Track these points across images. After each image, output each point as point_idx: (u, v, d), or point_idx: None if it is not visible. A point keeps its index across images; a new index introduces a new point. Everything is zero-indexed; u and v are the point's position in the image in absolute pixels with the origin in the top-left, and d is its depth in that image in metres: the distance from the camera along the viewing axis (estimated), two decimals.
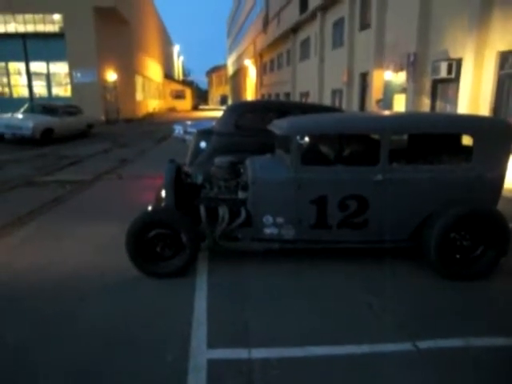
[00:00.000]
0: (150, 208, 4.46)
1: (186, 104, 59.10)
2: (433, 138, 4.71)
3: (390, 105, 14.13)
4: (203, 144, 7.37)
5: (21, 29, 24.71)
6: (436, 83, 11.62)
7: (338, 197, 3.97)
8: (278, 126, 4.34)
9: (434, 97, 11.78)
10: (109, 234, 5.16)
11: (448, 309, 3.44)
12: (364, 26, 16.61)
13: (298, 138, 3.98)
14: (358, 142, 4.93)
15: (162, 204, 4.49)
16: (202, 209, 4.25)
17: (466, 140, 4.51)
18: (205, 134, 7.64)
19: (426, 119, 4.49)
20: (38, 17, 24.55)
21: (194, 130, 11.31)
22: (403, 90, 13.14)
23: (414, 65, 11.94)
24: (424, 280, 3.95)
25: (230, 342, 2.97)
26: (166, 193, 4.30)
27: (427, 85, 11.87)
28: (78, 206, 6.78)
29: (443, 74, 10.61)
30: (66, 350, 2.88)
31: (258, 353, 2.83)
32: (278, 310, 3.42)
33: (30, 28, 24.72)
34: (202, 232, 4.16)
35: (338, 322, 3.23)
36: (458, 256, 3.93)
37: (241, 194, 4.27)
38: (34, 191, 7.78)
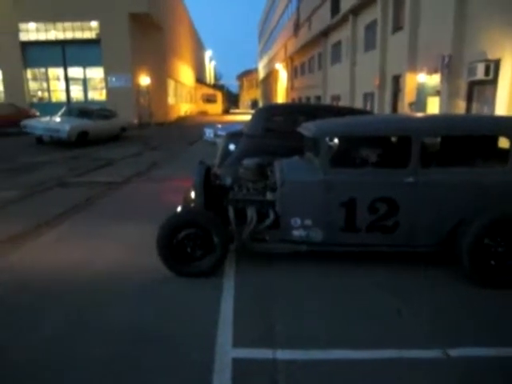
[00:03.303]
0: (179, 209, 4.52)
1: (217, 108, 59.67)
2: (467, 140, 4.57)
3: (424, 108, 13.81)
4: (232, 146, 7.45)
5: (60, 36, 25.67)
6: (472, 85, 11.27)
7: (367, 199, 3.91)
8: (307, 129, 4.32)
9: (469, 99, 11.42)
10: (139, 234, 5.27)
11: (480, 317, 3.32)
12: (397, 28, 16.33)
13: (326, 140, 3.95)
14: (388, 143, 4.84)
15: (191, 205, 4.55)
16: (231, 210, 4.27)
17: (503, 143, 4.36)
18: (234, 136, 7.73)
19: (459, 121, 4.37)
20: (76, 24, 25.44)
21: (222, 133, 11.45)
22: (437, 93, 12.82)
23: (448, 67, 11.63)
24: (456, 286, 3.83)
25: (255, 342, 2.97)
26: (196, 194, 4.35)
27: (463, 87, 11.53)
28: (109, 207, 6.96)
29: (480, 75, 10.27)
30: (95, 345, 2.95)
31: (283, 354, 2.82)
32: (304, 312, 3.40)
33: (69, 35, 25.64)
34: (230, 233, 4.18)
35: (365, 326, 3.17)
36: (492, 262, 3.79)
37: (269, 196, 4.27)
38: (68, 192, 8.05)
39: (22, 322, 3.27)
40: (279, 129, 7.35)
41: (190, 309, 3.47)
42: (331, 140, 4.19)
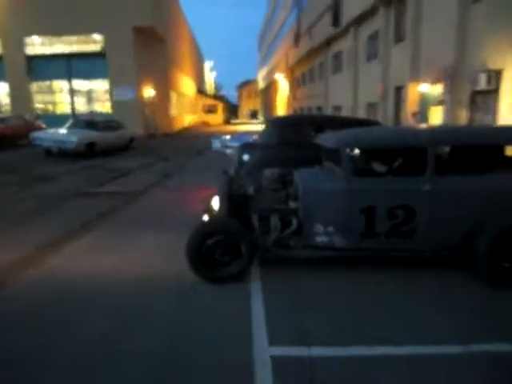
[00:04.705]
0: (205, 218, 4.73)
1: (218, 118, 60.08)
2: (478, 149, 4.80)
3: (426, 118, 14.10)
4: (246, 157, 7.69)
5: (65, 49, 26.07)
6: (475, 95, 11.57)
7: (386, 206, 4.13)
8: (328, 140, 4.55)
9: (472, 109, 11.72)
10: (164, 242, 5.49)
11: (499, 314, 3.52)
12: (399, 38, 16.70)
13: (348, 150, 4.18)
14: (405, 154, 5.08)
15: (214, 213, 4.77)
16: (255, 218, 4.49)
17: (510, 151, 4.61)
18: (247, 147, 7.98)
19: (471, 131, 4.61)
20: (81, 38, 25.84)
21: (233, 144, 11.72)
22: (440, 103, 13.12)
23: (451, 77, 11.94)
24: (472, 287, 4.03)
25: (289, 340, 3.17)
26: (221, 203, 4.57)
27: (465, 97, 11.83)
28: (132, 216, 7.17)
29: (482, 85, 10.59)
30: (139, 345, 3.16)
31: (317, 351, 3.03)
32: (331, 312, 3.60)
33: (74, 48, 26.03)
34: (255, 240, 4.39)
35: (391, 325, 3.37)
36: (507, 265, 4.00)
37: (292, 204, 4.49)
38: (89, 202, 8.24)
39: (69, 323, 3.48)
40: (291, 139, 7.60)
41: (222, 312, 3.67)
42: (351, 150, 4.42)
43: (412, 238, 4.23)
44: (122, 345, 3.16)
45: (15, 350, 3.12)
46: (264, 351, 3.04)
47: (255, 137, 9.69)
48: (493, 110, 10.73)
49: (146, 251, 5.24)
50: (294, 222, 4.44)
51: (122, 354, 3.04)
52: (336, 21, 23.99)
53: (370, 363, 2.90)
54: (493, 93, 10.60)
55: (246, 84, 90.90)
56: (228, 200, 4.55)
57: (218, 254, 4.17)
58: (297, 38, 37.25)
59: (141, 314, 3.64)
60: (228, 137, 13.38)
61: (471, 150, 4.90)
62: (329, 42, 27.66)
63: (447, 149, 5.23)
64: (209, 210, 5.21)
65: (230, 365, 2.90)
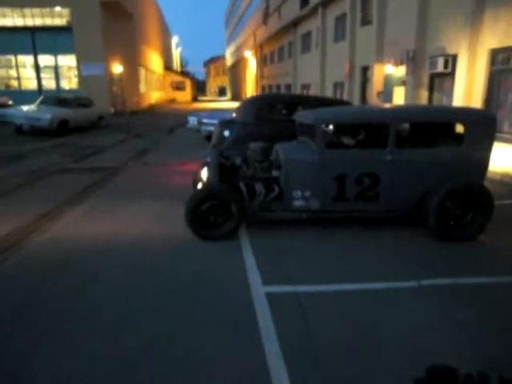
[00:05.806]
0: (199, 186, 5.35)
1: (186, 95, 59.64)
2: (432, 125, 5.62)
3: (390, 97, 15.01)
4: (226, 132, 8.28)
5: (29, 22, 25.32)
6: (433, 77, 12.53)
7: (354, 174, 4.88)
8: (305, 117, 5.23)
9: (431, 89, 12.69)
10: (156, 209, 6.08)
11: (444, 260, 4.38)
12: (365, 21, 17.43)
13: (323, 126, 4.88)
14: (371, 129, 5.84)
15: (204, 182, 5.39)
16: (243, 185, 5.15)
17: (459, 128, 5.44)
18: (227, 123, 8.57)
19: (426, 110, 5.40)
20: (46, 10, 25.14)
21: (209, 121, 12.26)
22: (403, 83, 14.03)
23: (413, 60, 12.82)
24: (424, 240, 4.90)
25: (278, 281, 3.91)
26: (211, 173, 5.19)
27: (425, 78, 12.77)
28: (118, 188, 7.67)
29: (440, 68, 11.51)
30: (154, 291, 3.82)
31: (301, 288, 3.77)
32: (308, 260, 4.37)
33: (38, 22, 25.32)
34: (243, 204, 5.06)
35: (357, 268, 4.17)
36: (452, 222, 4.86)
37: (274, 173, 5.18)
38: (72, 177, 8.64)
39: (82, 283, 4.07)
40: (266, 117, 8.23)
41: (221, 262, 4.36)
42: (326, 126, 5.11)
43: (376, 201, 5.02)
44: (135, 297, 3.72)
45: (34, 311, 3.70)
46: (259, 289, 3.75)
47: (233, 114, 10.25)
48: (449, 90, 11.71)
49: (139, 218, 5.81)
50: (276, 188, 5.14)
51: (136, 305, 3.61)
52: (305, 0, 24.42)
53: (343, 296, 3.67)
54: (449, 75, 11.56)
55: (214, 60, 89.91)
56: (219, 169, 5.18)
57: (213, 215, 4.83)
58: (266, 16, 37.36)
59: (149, 268, 4.25)
60: (202, 114, 13.87)
61: (426, 126, 5.72)
62: (297, 22, 28.07)
63: (406, 125, 6.04)
64: (196, 180, 5.84)
65: (233, 300, 3.59)
